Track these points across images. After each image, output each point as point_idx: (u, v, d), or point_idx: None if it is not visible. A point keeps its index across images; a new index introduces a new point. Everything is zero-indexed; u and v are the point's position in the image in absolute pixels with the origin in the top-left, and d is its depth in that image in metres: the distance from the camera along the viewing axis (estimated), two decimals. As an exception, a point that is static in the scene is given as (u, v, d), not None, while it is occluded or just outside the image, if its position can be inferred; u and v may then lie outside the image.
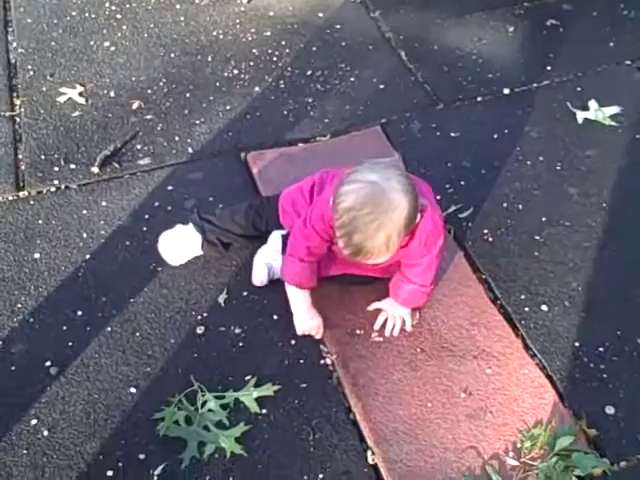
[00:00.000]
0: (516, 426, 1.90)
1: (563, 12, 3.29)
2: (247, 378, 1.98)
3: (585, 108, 2.79)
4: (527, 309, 2.15)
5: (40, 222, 2.39)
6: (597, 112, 2.77)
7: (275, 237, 2.21)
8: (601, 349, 2.06)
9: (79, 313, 2.15)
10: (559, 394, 1.97)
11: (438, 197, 2.44)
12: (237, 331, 2.10)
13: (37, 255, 2.30)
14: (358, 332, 2.10)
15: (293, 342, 2.07)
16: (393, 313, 2.10)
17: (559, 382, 1.99)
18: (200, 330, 2.10)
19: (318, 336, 2.08)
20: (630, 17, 3.26)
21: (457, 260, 2.29)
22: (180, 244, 2.24)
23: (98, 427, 1.90)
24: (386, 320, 2.10)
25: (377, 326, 2.10)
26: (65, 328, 2.11)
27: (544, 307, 2.16)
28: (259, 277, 2.19)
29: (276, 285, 2.19)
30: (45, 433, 1.89)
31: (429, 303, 2.16)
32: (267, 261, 2.19)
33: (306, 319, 2.08)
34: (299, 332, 2.09)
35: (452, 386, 1.98)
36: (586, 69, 2.99)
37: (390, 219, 1.73)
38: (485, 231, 2.37)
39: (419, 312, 2.15)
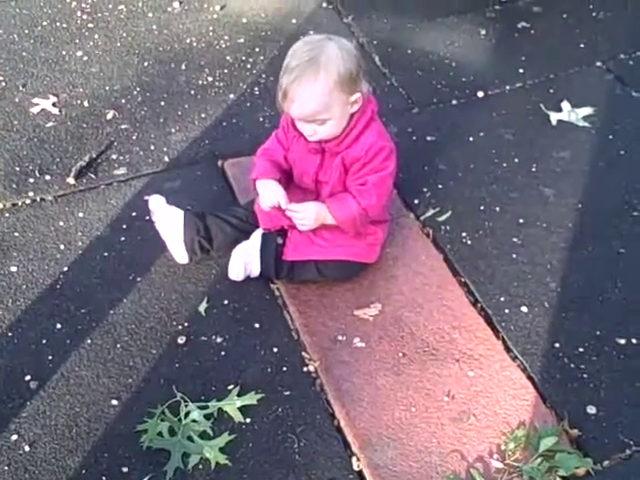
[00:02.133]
0: (499, 428, 1.91)
1: (533, 15, 3.33)
2: (230, 387, 1.97)
3: (558, 109, 2.82)
4: (507, 311, 2.17)
5: (16, 234, 2.37)
6: (570, 113, 2.80)
7: (257, 234, 2.22)
8: (581, 349, 2.07)
9: (58, 326, 2.13)
10: (541, 395, 1.98)
11: (416, 201, 2.47)
12: (219, 340, 2.09)
13: (14, 268, 2.27)
14: (340, 338, 2.10)
15: (275, 350, 2.07)
16: (308, 210, 2.07)
17: (540, 383, 2.00)
18: (181, 340, 2.09)
19: (284, 205, 2.07)
20: (599, 18, 3.31)
21: (436, 264, 2.30)
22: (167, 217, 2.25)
23: (80, 441, 1.88)
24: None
25: (291, 207, 2.06)
26: (44, 341, 2.09)
27: (524, 308, 2.17)
28: (235, 270, 2.19)
29: (257, 293, 2.20)
30: (26, 448, 1.86)
31: (410, 307, 2.16)
32: (245, 256, 2.19)
33: (271, 191, 2.08)
34: (266, 206, 2.09)
35: (435, 390, 1.99)
36: (558, 71, 3.03)
37: (319, 61, 1.89)
38: (463, 234, 2.38)
39: (380, 304, 2.16)
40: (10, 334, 2.11)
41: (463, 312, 2.17)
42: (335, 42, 1.93)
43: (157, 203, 2.26)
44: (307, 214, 2.06)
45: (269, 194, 2.08)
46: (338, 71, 1.89)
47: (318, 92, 1.90)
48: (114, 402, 1.96)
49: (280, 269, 2.19)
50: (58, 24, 3.25)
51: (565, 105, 2.82)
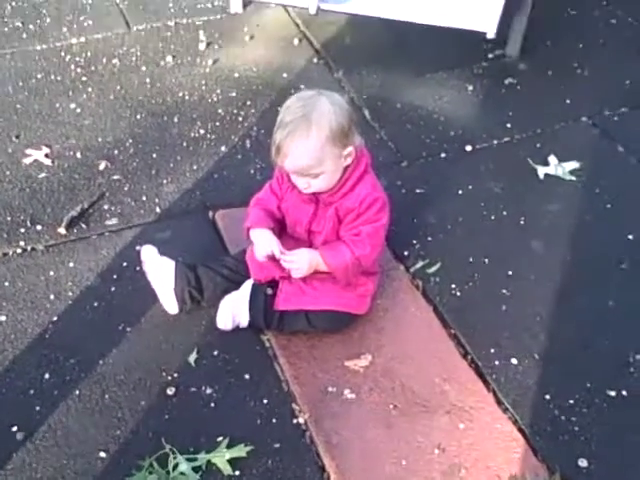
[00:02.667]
0: (491, 481, 1.90)
1: (520, 71, 3.40)
2: (219, 439, 1.96)
3: (545, 163, 2.86)
4: (497, 363, 2.17)
5: (7, 284, 2.36)
6: (557, 167, 2.84)
7: (247, 285, 2.22)
8: (571, 401, 2.07)
9: (47, 376, 2.11)
10: (532, 448, 1.97)
11: (405, 253, 2.48)
12: (208, 391, 2.08)
13: (3, 318, 2.26)
14: (330, 389, 2.09)
15: (265, 401, 2.06)
16: (301, 257, 2.08)
17: (531, 436, 2.00)
18: (171, 391, 2.08)
19: (278, 254, 2.07)
20: (584, 75, 3.38)
21: (426, 315, 2.31)
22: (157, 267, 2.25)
23: (67, 494, 1.86)
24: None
25: (283, 257, 2.07)
26: (32, 392, 2.07)
27: (514, 360, 2.18)
28: (223, 320, 2.19)
29: (247, 344, 2.19)
30: (12, 502, 1.84)
31: (400, 359, 2.16)
32: (233, 307, 2.19)
33: (265, 240, 2.10)
34: (261, 255, 2.10)
35: (426, 443, 1.98)
36: (544, 126, 3.08)
37: (312, 116, 1.92)
38: (453, 286, 2.39)
39: (371, 356, 2.16)
40: (-3, 384, 2.09)
41: (453, 364, 2.17)
42: (327, 97, 1.97)
43: (149, 253, 2.27)
44: (301, 260, 2.08)
45: (263, 243, 2.10)
46: (330, 126, 1.93)
47: (310, 147, 1.93)
48: (102, 454, 1.93)
49: (270, 319, 2.19)
50: (52, 77, 3.29)
51: (552, 159, 2.87)
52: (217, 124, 3.06)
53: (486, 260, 2.48)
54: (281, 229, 2.22)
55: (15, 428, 1.98)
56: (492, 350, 2.20)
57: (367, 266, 2.13)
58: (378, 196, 2.08)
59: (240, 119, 3.09)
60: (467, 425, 2.02)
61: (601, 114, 3.15)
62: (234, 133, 3.02)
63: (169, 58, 3.43)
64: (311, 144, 1.93)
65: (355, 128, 2.03)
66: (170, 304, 2.24)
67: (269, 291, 2.20)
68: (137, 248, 2.47)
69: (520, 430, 2.01)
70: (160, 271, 2.23)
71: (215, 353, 2.18)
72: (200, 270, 2.26)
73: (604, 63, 3.46)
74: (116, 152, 2.90)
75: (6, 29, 3.60)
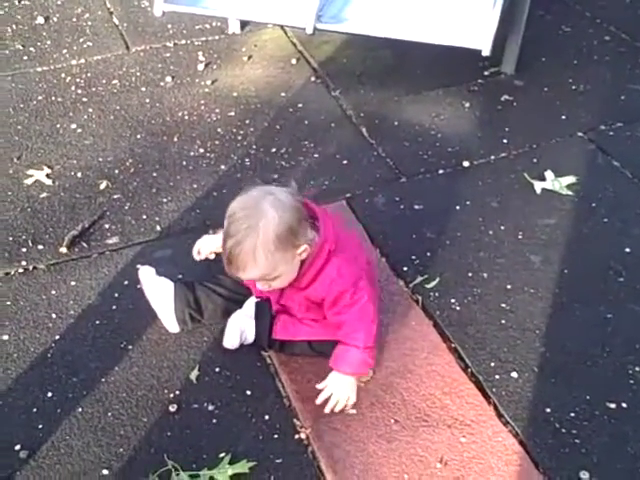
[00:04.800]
0: (493, 494, 1.90)
1: (515, 88, 3.43)
2: (221, 455, 1.96)
3: (542, 178, 2.89)
4: (497, 377, 2.18)
5: (8, 303, 2.38)
6: (554, 182, 2.86)
7: (250, 303, 2.23)
8: (572, 414, 2.08)
9: (49, 394, 2.12)
10: (533, 461, 1.97)
11: (405, 268, 2.49)
12: (210, 408, 2.09)
13: (5, 337, 2.28)
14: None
15: (267, 417, 2.06)
16: (336, 390, 2.07)
17: (533, 449, 2.00)
18: (173, 408, 2.08)
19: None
20: (579, 91, 3.41)
21: (426, 330, 2.32)
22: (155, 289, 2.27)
23: (70, 512, 1.86)
24: (330, 397, 2.07)
25: (319, 401, 2.07)
26: (35, 410, 2.08)
27: (514, 374, 2.19)
28: (230, 340, 2.20)
29: (248, 360, 2.20)
30: (15, 520, 1.84)
31: (401, 374, 2.17)
32: (240, 325, 2.20)
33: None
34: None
35: (427, 456, 1.98)
36: (540, 141, 3.11)
37: (257, 227, 1.83)
38: (452, 300, 2.41)
39: (373, 370, 2.17)
40: (0, 403, 2.09)
41: (454, 378, 2.18)
42: (271, 202, 1.86)
43: (147, 275, 2.28)
44: (338, 391, 2.06)
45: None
46: (277, 235, 1.84)
47: (260, 263, 1.87)
48: (105, 472, 1.94)
49: (272, 343, 2.21)
50: (53, 98, 3.32)
51: (549, 174, 2.89)
52: (216, 143, 3.09)
53: (485, 274, 2.50)
54: None
55: (18, 446, 1.99)
56: (492, 364, 2.21)
57: (374, 336, 2.07)
58: (346, 281, 2.00)
59: (239, 138, 3.12)
60: (468, 439, 2.02)
61: (596, 129, 3.18)
62: (233, 152, 3.04)
63: (168, 78, 3.46)
64: (260, 259, 1.86)
65: (305, 224, 1.94)
66: (171, 325, 2.25)
67: (273, 310, 2.21)
68: (138, 266, 2.49)
69: (521, 443, 2.01)
70: (159, 293, 2.25)
71: (217, 370, 2.19)
72: (198, 290, 2.27)
73: (599, 79, 3.49)
74: (116, 172, 2.92)
75: (7, 52, 3.65)
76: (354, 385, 2.09)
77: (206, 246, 2.26)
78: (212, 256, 2.27)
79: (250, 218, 1.85)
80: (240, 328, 2.20)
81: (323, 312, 2.11)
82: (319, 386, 2.08)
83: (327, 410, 2.06)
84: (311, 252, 1.96)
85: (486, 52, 2.98)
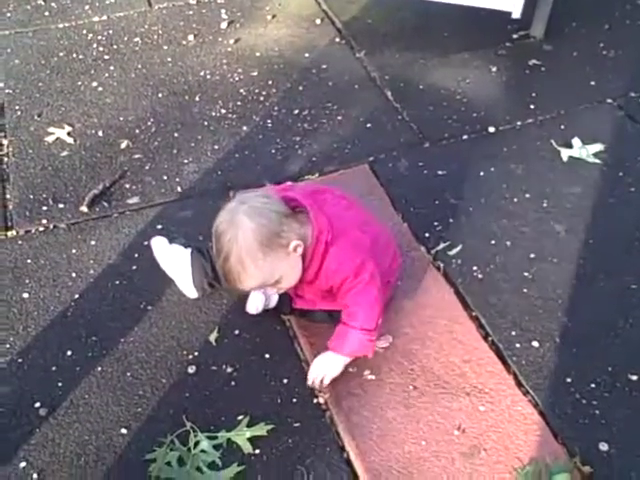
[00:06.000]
0: (510, 464, 1.89)
1: (544, 52, 3.36)
2: (240, 418, 1.97)
3: (569, 146, 2.83)
4: (518, 345, 2.16)
5: (29, 262, 2.38)
6: (581, 150, 2.81)
7: None
8: (593, 385, 2.06)
9: (68, 353, 2.13)
10: (552, 431, 1.96)
11: (427, 235, 2.47)
12: (229, 370, 2.09)
13: (26, 295, 2.28)
14: (350, 370, 2.09)
15: (285, 381, 2.06)
16: (316, 364, 2.06)
17: (552, 419, 1.99)
18: (192, 369, 2.09)
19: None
20: (610, 56, 3.33)
21: (447, 297, 2.30)
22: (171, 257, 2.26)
23: (89, 469, 1.87)
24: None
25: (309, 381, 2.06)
26: (54, 368, 2.09)
27: (535, 343, 2.17)
28: (254, 304, 2.19)
29: (268, 323, 2.20)
30: (35, 476, 1.86)
31: (421, 341, 2.16)
32: (263, 290, 2.18)
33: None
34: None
35: (445, 424, 1.98)
36: (568, 108, 3.05)
37: (236, 238, 1.83)
38: (474, 268, 2.38)
39: (391, 337, 2.16)
40: (20, 360, 2.11)
41: (474, 346, 2.17)
42: (245, 211, 1.85)
43: (160, 245, 2.28)
44: (318, 369, 2.05)
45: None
46: (258, 241, 1.84)
47: (251, 272, 1.86)
48: (123, 431, 1.95)
49: (293, 309, 2.20)
50: (74, 55, 3.30)
51: (576, 141, 2.84)
52: (238, 103, 3.05)
53: (508, 243, 2.47)
54: None
55: (38, 404, 2.01)
56: (513, 333, 2.19)
57: (378, 320, 2.03)
58: (347, 268, 1.97)
59: (261, 99, 3.08)
60: (487, 407, 2.01)
61: (626, 96, 3.10)
62: (255, 113, 3.01)
63: (191, 37, 3.43)
64: (250, 269, 1.86)
65: (289, 221, 1.90)
66: (190, 292, 2.25)
67: None
68: (158, 227, 2.49)
69: (540, 413, 2.00)
70: (175, 262, 2.24)
71: (236, 332, 2.18)
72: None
73: (630, 45, 3.41)
74: (137, 131, 2.90)
75: (28, 7, 3.62)
76: (339, 366, 2.05)
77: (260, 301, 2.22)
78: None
79: (229, 231, 1.85)
80: (263, 293, 2.18)
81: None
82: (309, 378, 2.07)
83: (308, 383, 2.05)
84: (308, 245, 1.93)
85: (516, 14, 2.92)
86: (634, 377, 2.08)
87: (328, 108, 3.03)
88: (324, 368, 2.04)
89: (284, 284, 1.98)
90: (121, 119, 2.96)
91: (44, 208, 2.57)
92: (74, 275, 2.35)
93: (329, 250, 1.96)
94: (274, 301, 2.19)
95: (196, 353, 2.13)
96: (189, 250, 2.25)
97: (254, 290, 2.08)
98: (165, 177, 2.70)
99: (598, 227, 2.53)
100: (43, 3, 3.64)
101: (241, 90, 3.13)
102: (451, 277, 2.36)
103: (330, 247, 1.96)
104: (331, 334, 2.08)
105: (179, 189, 2.66)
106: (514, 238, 2.48)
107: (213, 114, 3.00)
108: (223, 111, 3.02)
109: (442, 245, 2.44)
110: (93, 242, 2.45)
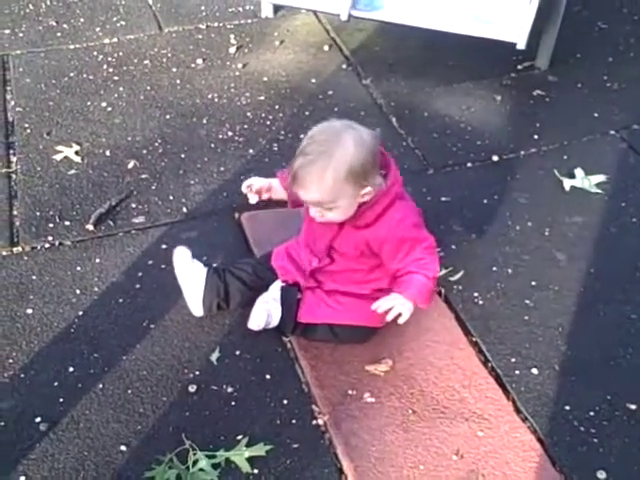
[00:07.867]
0: (508, 490, 1.90)
1: (549, 83, 3.40)
2: (239, 437, 1.97)
3: (572, 176, 2.86)
4: (517, 372, 2.17)
5: (34, 278, 2.40)
6: (583, 180, 2.84)
7: (276, 286, 2.23)
8: (591, 413, 2.06)
9: (70, 369, 2.14)
10: (550, 458, 1.97)
11: (429, 260, 2.48)
12: (229, 390, 2.10)
13: (29, 311, 2.30)
14: (350, 392, 2.10)
15: (285, 402, 2.07)
16: (400, 303, 2.02)
17: (550, 446, 1.99)
18: (192, 388, 2.10)
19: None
20: (614, 89, 3.37)
21: (448, 322, 2.31)
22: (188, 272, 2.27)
23: (87, 485, 1.88)
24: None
25: (375, 306, 2.03)
26: (56, 384, 2.10)
27: (534, 370, 2.17)
28: (257, 321, 2.19)
29: (269, 344, 2.21)
30: (33, 491, 1.86)
31: (421, 365, 2.17)
32: (267, 307, 2.20)
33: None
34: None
35: (444, 448, 1.98)
36: (572, 138, 3.08)
37: (333, 153, 1.86)
38: (475, 294, 2.40)
39: (391, 361, 2.15)
40: (22, 375, 2.12)
41: (473, 371, 2.18)
42: (352, 135, 1.89)
43: (182, 256, 2.28)
44: (401, 304, 2.02)
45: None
46: (350, 167, 1.86)
47: (325, 186, 1.88)
48: (123, 448, 1.96)
49: (295, 327, 2.21)
50: (84, 75, 3.34)
51: (578, 172, 2.86)
52: (245, 127, 3.09)
53: (509, 270, 2.48)
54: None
55: (39, 419, 2.01)
56: (513, 359, 2.20)
57: (438, 270, 2.11)
58: (409, 224, 2.04)
59: (268, 122, 3.12)
60: (486, 433, 2.02)
61: (629, 128, 3.14)
62: (262, 136, 3.04)
63: (199, 60, 3.47)
64: (326, 183, 1.88)
65: (376, 170, 1.96)
66: (196, 309, 2.26)
67: (299, 295, 2.21)
68: (163, 247, 2.51)
69: (539, 440, 2.01)
70: (191, 278, 2.25)
71: (237, 352, 2.19)
72: (229, 281, 2.26)
73: (634, 77, 3.44)
74: (145, 151, 2.93)
75: (40, 28, 3.67)
76: (411, 309, 2.04)
77: (258, 182, 2.27)
78: (265, 196, 2.28)
79: (328, 143, 1.88)
80: (267, 310, 2.20)
81: (375, 261, 2.12)
82: (375, 304, 2.04)
83: (389, 318, 2.03)
84: (374, 196, 1.97)
85: (521, 45, 2.95)
86: (633, 406, 2.08)
87: (334, 133, 3.05)
88: (405, 307, 2.02)
89: (332, 215, 1.99)
90: (129, 139, 2.99)
91: (50, 225, 2.59)
92: (78, 292, 2.36)
93: (395, 202, 2.02)
94: (276, 321, 2.20)
95: (197, 372, 2.14)
96: (207, 269, 2.26)
97: (308, 203, 2.01)
98: (171, 197, 2.73)
99: (599, 256, 2.54)
100: (55, 24, 3.70)
101: (248, 113, 3.16)
102: (452, 302, 2.37)
103: (397, 200, 2.03)
104: (332, 356, 2.09)
105: (185, 210, 2.68)
106: (516, 266, 2.50)
107: (220, 136, 3.03)
108: (230, 134, 3.05)
109: (444, 271, 2.45)
110: (98, 260, 2.47)
